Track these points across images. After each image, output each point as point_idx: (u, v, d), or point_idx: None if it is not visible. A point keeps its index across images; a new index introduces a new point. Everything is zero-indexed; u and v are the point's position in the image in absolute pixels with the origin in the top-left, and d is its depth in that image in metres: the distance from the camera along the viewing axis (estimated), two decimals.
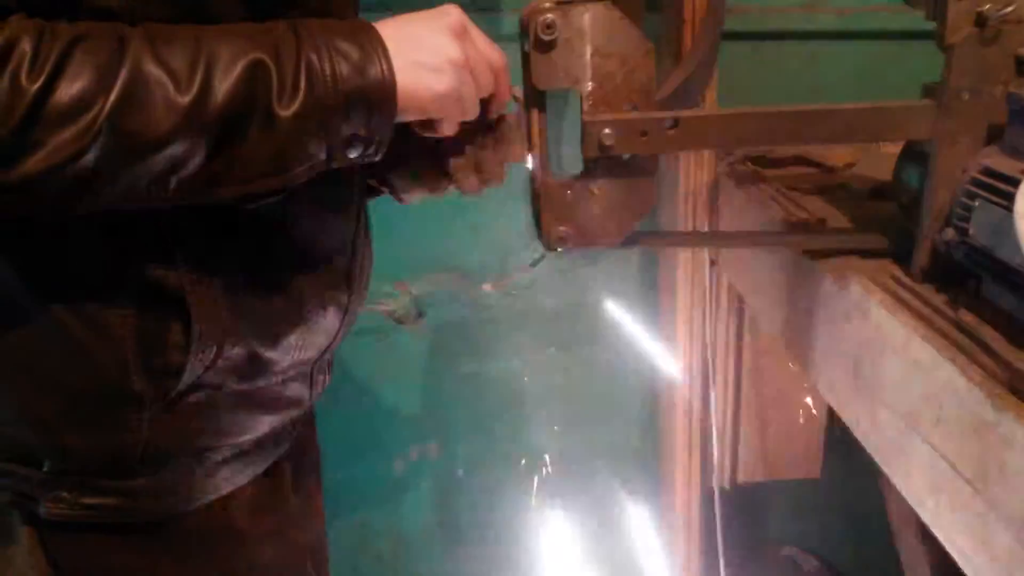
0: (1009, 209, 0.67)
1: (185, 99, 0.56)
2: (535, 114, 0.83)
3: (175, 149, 0.56)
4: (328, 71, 0.61)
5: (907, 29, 1.45)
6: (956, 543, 0.67)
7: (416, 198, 0.89)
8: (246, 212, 0.67)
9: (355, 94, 0.62)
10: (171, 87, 0.55)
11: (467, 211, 1.45)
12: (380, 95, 0.63)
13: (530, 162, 0.84)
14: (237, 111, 0.58)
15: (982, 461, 0.62)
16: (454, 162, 0.82)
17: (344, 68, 0.61)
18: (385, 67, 0.63)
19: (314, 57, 0.61)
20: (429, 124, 0.71)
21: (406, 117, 0.67)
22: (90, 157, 0.54)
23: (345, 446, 1.69)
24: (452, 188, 0.86)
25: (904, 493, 0.75)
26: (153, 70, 0.55)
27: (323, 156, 0.64)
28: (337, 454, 1.68)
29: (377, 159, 0.68)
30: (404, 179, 0.86)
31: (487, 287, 1.56)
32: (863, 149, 1.30)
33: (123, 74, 0.54)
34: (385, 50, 0.64)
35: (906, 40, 1.45)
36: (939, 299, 0.78)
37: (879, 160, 1.17)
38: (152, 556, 0.76)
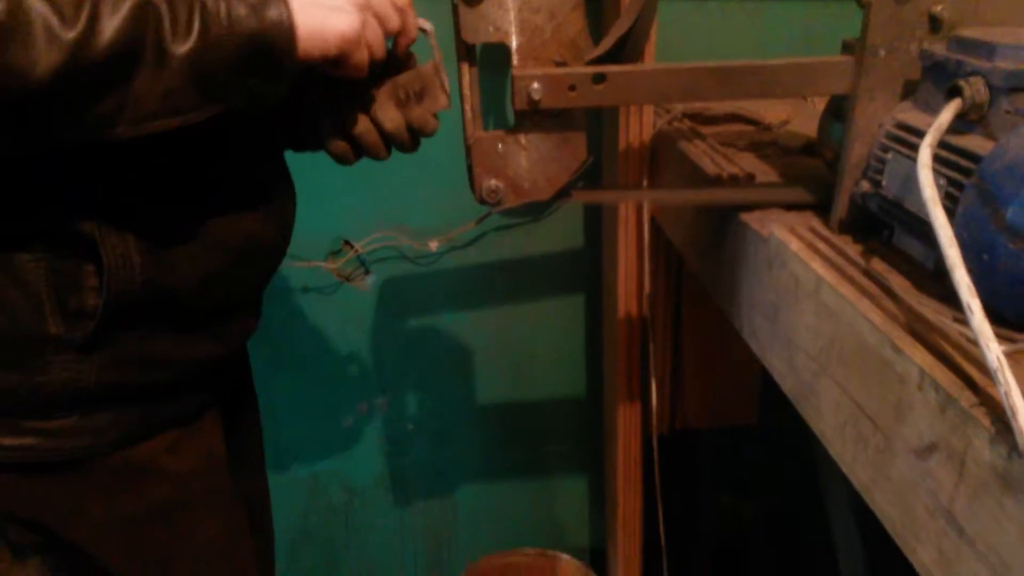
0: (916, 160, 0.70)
1: (70, 34, 0.55)
2: (465, 67, 0.84)
3: (61, 86, 0.56)
4: (224, 12, 0.61)
5: None
6: (859, 476, 0.71)
7: (356, 159, 0.88)
8: (156, 155, 0.67)
9: (252, 36, 0.62)
10: (56, 21, 0.54)
11: (411, 168, 1.45)
12: (278, 36, 0.63)
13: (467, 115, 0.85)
14: (126, 48, 0.57)
15: (881, 399, 0.66)
16: (386, 120, 0.82)
17: (241, 10, 0.62)
18: (284, 9, 0.63)
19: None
20: (337, 65, 0.70)
21: (310, 57, 0.67)
22: None
23: (295, 402, 1.70)
24: (389, 150, 0.86)
25: (815, 431, 0.79)
26: (36, 4, 0.54)
27: (220, 96, 0.63)
28: (287, 410, 1.70)
29: (278, 98, 0.68)
30: (342, 147, 0.85)
31: (433, 243, 1.57)
32: (797, 107, 1.33)
33: (3, 3, 0.53)
34: None
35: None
36: (854, 249, 0.81)
37: (813, 117, 1.20)
38: (75, 492, 0.77)
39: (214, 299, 0.79)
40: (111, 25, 0.56)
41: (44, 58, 0.54)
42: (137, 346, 0.75)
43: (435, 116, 0.83)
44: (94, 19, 0.56)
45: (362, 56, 0.70)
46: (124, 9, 0.57)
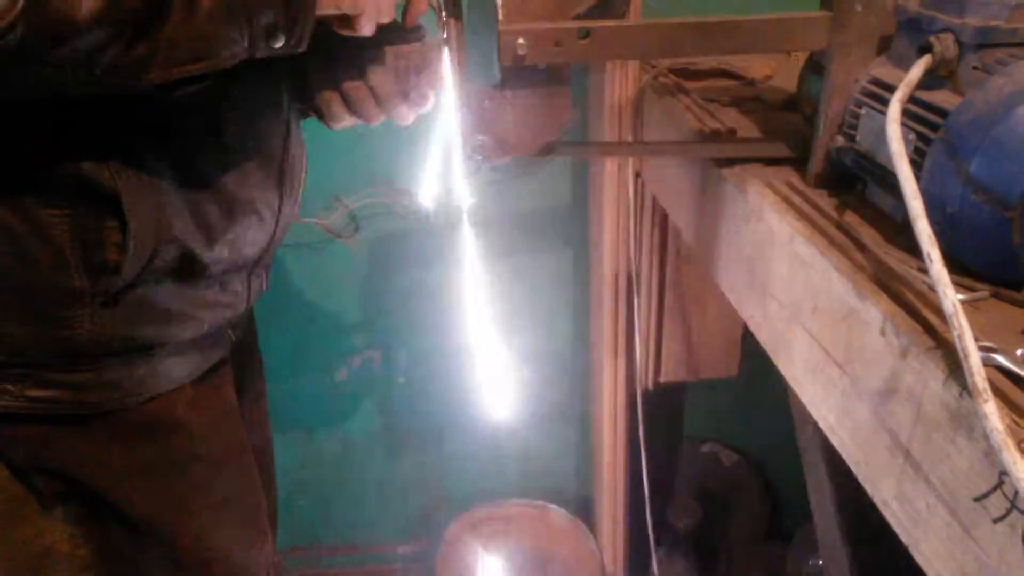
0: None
1: None
2: (452, 22, 0.84)
3: (99, 31, 0.57)
4: None
5: None
6: (827, 419, 0.75)
7: (346, 123, 0.90)
8: (178, 113, 0.70)
9: None
10: None
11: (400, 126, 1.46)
12: None
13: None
14: None
15: (848, 344, 0.69)
16: (380, 86, 0.84)
17: None
18: None
19: None
20: (347, 21, 0.72)
21: (324, 10, 0.69)
22: (15, 35, 0.54)
23: (289, 357, 1.73)
24: (382, 116, 0.88)
25: (787, 378, 0.82)
26: None
27: (245, 44, 0.65)
28: (281, 365, 1.72)
29: (300, 50, 0.70)
30: (335, 105, 0.87)
31: (421, 199, 1.59)
32: (782, 62, 1.34)
33: None
34: None
35: None
36: (828, 203, 0.84)
37: (796, 72, 1.21)
38: (97, 444, 0.80)
39: (232, 256, 0.81)
40: None
41: (83, 4, 0.56)
42: (159, 301, 0.77)
43: (431, 93, 0.85)
44: None
45: (370, 13, 0.72)
46: None
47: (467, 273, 1.41)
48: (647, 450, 1.51)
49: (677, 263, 1.46)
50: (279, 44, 0.67)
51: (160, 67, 0.62)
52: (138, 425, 0.81)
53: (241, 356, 1.00)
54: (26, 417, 0.76)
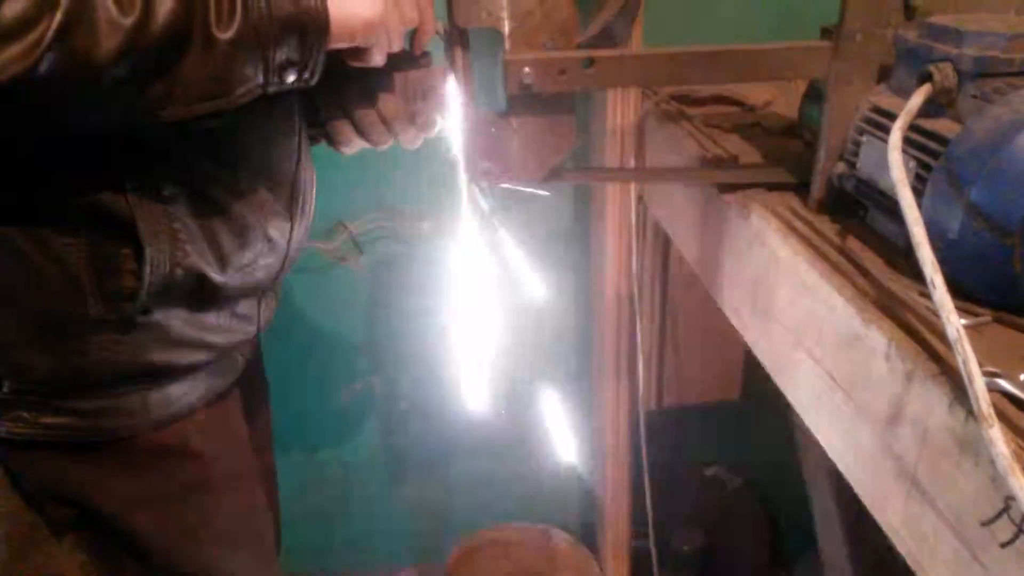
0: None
1: (128, 20, 0.58)
2: (458, 51, 0.86)
3: (119, 69, 0.59)
4: None
5: None
6: (832, 444, 0.75)
7: (355, 148, 0.92)
8: (192, 141, 0.71)
9: (289, 20, 0.65)
10: (114, 8, 0.58)
11: (404, 151, 1.47)
12: (313, 22, 0.67)
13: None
14: (177, 33, 0.60)
15: (853, 370, 0.70)
16: (389, 110, 0.86)
17: None
18: None
19: None
20: (358, 53, 0.74)
21: (338, 44, 0.71)
22: (38, 75, 0.56)
23: (291, 381, 1.73)
24: (391, 141, 0.90)
25: (792, 403, 0.82)
26: None
27: (260, 80, 0.67)
28: (284, 389, 1.72)
29: (312, 83, 0.71)
30: (345, 130, 0.89)
31: (425, 224, 1.60)
32: (782, 88, 1.36)
33: None
34: None
35: None
36: (830, 228, 0.85)
37: (796, 99, 1.23)
38: (110, 471, 0.81)
39: (245, 281, 0.82)
40: (164, 10, 0.59)
41: (105, 43, 0.57)
42: (172, 327, 0.78)
43: (438, 117, 0.86)
44: (149, 4, 0.59)
45: (382, 45, 0.74)
46: None
47: (469, 297, 1.42)
48: (650, 474, 1.51)
49: (679, 286, 1.47)
50: (292, 78, 0.69)
51: (177, 104, 0.63)
52: (150, 451, 0.81)
53: (249, 380, 1.01)
54: (40, 444, 0.76)
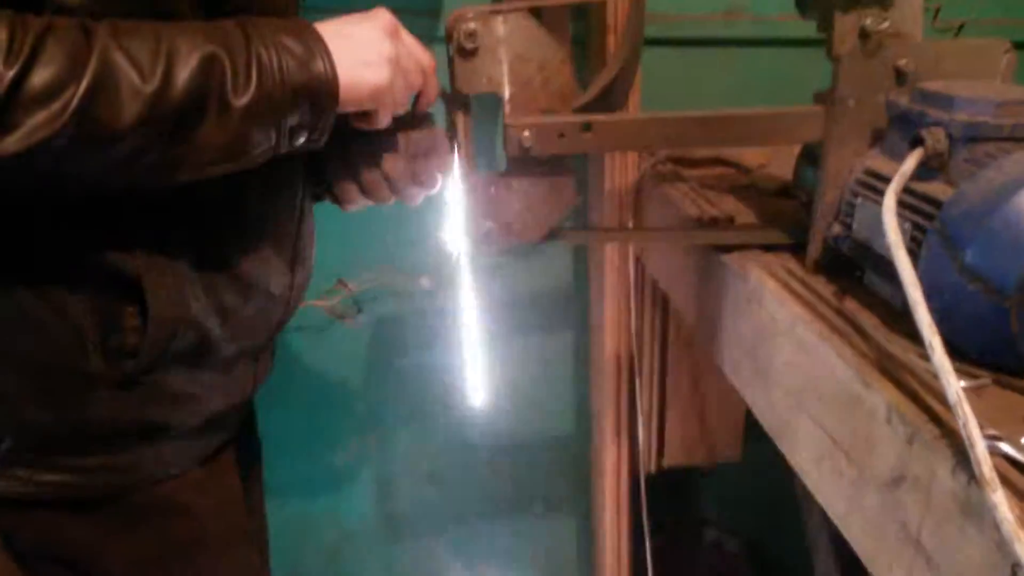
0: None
1: (149, 88, 0.59)
2: (459, 116, 0.88)
3: (139, 134, 0.60)
4: (276, 66, 0.66)
5: (819, 37, 1.53)
6: (835, 507, 0.74)
7: (359, 206, 0.93)
8: (200, 199, 0.72)
9: (301, 88, 0.67)
10: (136, 76, 0.59)
11: (403, 209, 1.49)
12: (323, 88, 0.68)
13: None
14: (195, 100, 0.62)
15: (854, 433, 0.70)
16: (392, 169, 0.87)
17: (290, 63, 0.66)
18: (327, 62, 0.68)
19: (263, 52, 0.65)
20: (365, 116, 0.76)
21: (346, 108, 0.72)
22: (62, 140, 0.57)
23: (286, 440, 1.71)
24: (394, 199, 0.91)
25: (793, 465, 0.82)
26: (120, 60, 0.58)
27: (272, 143, 0.68)
28: (278, 448, 1.70)
29: (321, 144, 0.73)
30: (350, 189, 0.90)
31: (424, 282, 1.60)
32: (775, 150, 1.38)
33: (93, 62, 0.57)
34: (326, 47, 0.69)
35: (819, 46, 1.54)
36: (827, 289, 0.85)
37: (789, 161, 1.25)
38: (103, 529, 0.79)
39: (244, 337, 0.82)
40: (183, 77, 0.61)
41: (126, 110, 0.58)
42: (171, 384, 0.77)
43: (440, 176, 0.88)
44: (168, 72, 0.60)
45: (387, 109, 0.75)
46: (194, 62, 0.61)
47: (468, 355, 1.42)
48: (650, 535, 1.48)
49: (678, 346, 1.47)
50: (302, 140, 0.70)
51: (191, 168, 0.64)
52: (144, 508, 0.80)
53: (242, 439, 1.00)
54: (33, 502, 0.75)
